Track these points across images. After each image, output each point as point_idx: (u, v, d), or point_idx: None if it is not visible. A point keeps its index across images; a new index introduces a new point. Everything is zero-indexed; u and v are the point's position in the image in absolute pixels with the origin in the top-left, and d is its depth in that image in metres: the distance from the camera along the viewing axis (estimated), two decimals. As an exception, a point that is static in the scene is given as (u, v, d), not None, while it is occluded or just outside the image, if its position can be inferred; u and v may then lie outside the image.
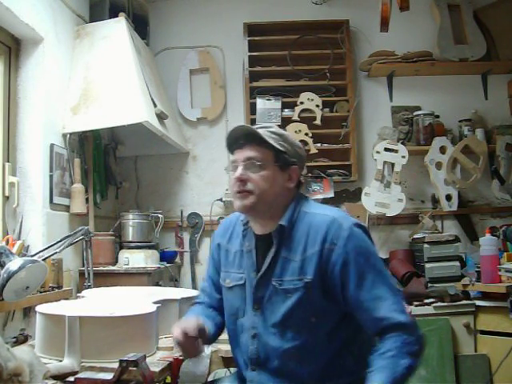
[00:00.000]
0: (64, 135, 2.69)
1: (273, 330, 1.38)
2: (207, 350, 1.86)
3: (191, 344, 1.35)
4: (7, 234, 2.25)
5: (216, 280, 1.58)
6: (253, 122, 3.44)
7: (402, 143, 3.34)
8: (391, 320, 1.26)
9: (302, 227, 1.39)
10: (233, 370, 1.60)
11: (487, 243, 2.72)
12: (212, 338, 1.51)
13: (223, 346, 1.64)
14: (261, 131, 1.41)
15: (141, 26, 3.26)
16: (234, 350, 1.51)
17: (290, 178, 1.44)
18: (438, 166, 3.31)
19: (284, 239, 1.40)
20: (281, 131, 1.46)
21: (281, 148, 1.41)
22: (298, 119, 3.42)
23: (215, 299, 1.58)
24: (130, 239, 3.02)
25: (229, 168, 1.45)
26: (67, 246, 2.04)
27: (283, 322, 1.37)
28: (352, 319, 1.36)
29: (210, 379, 1.74)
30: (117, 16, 2.89)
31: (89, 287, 2.17)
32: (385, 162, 3.25)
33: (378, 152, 3.26)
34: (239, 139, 1.43)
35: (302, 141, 3.38)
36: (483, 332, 2.79)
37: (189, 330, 1.33)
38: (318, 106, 3.43)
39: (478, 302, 2.81)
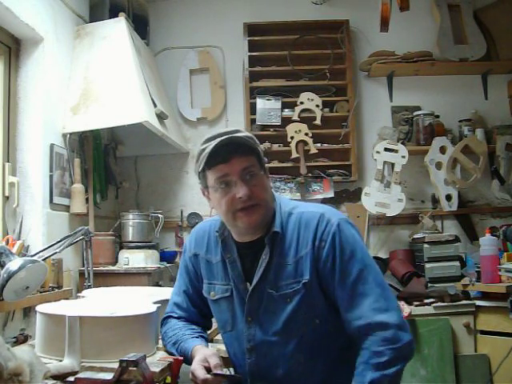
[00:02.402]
0: (64, 135, 2.69)
1: (274, 338, 1.33)
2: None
3: (218, 381, 1.27)
4: (7, 234, 2.25)
5: (192, 293, 1.51)
6: (253, 121, 3.45)
7: (402, 143, 3.33)
8: (367, 319, 1.22)
9: (291, 228, 1.34)
10: (233, 370, 1.59)
11: (487, 243, 2.72)
12: None
13: (223, 346, 1.64)
14: (243, 138, 1.31)
15: (141, 26, 3.26)
16: (231, 360, 1.48)
17: (268, 178, 1.38)
18: (438, 166, 3.31)
19: (276, 244, 1.34)
20: (247, 132, 1.36)
21: (259, 150, 1.35)
22: (298, 119, 3.42)
23: (193, 313, 1.51)
24: (130, 239, 3.02)
25: (217, 185, 1.32)
26: (67, 246, 2.04)
27: (286, 329, 1.31)
28: None
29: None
30: (117, 16, 2.89)
31: (89, 287, 2.17)
32: (385, 162, 3.25)
33: (378, 152, 3.26)
34: (220, 151, 1.27)
35: (302, 141, 3.39)
36: (483, 332, 2.79)
37: (218, 369, 1.27)
38: (317, 106, 3.43)
39: (478, 302, 2.81)
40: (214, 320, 1.61)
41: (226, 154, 1.28)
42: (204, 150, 1.30)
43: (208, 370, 1.28)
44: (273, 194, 1.40)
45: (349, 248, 1.28)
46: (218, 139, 1.28)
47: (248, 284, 1.36)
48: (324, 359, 1.33)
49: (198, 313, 1.52)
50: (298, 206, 1.40)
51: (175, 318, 1.52)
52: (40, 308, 1.44)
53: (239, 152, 1.29)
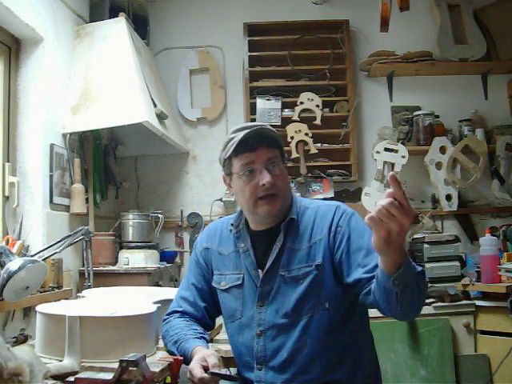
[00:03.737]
0: (64, 135, 2.69)
1: (284, 320, 1.38)
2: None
3: (216, 380, 1.28)
4: (7, 234, 2.25)
5: (202, 287, 1.54)
6: (253, 121, 3.44)
7: (402, 143, 3.34)
8: None
9: (307, 218, 1.44)
10: (233, 369, 1.59)
11: (487, 243, 2.73)
12: None
13: (223, 346, 1.64)
14: (271, 132, 1.43)
15: (141, 26, 3.26)
16: (234, 352, 1.50)
17: (287, 173, 1.49)
18: (438, 166, 3.31)
19: (290, 231, 1.43)
20: (273, 129, 1.48)
21: (282, 146, 1.47)
22: (298, 119, 3.42)
23: (199, 308, 1.53)
24: (130, 239, 3.02)
25: (242, 172, 1.40)
26: (67, 246, 2.04)
27: (296, 310, 1.37)
28: (358, 305, 1.38)
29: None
30: (117, 16, 2.89)
31: (89, 287, 2.17)
32: (385, 162, 3.26)
33: (378, 152, 3.26)
34: (248, 140, 1.39)
35: (301, 141, 3.39)
36: (483, 332, 2.79)
37: (215, 369, 1.27)
38: (318, 106, 3.43)
39: (478, 302, 2.81)
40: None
41: (254, 143, 1.39)
42: (232, 138, 1.41)
43: (206, 369, 1.28)
44: (290, 188, 1.52)
45: (362, 230, 1.36)
46: (247, 130, 1.39)
47: (260, 271, 1.43)
48: (328, 346, 1.36)
49: (204, 309, 1.53)
50: (314, 202, 1.53)
51: (179, 312, 1.53)
52: (40, 308, 1.44)
53: (265, 143, 1.40)
